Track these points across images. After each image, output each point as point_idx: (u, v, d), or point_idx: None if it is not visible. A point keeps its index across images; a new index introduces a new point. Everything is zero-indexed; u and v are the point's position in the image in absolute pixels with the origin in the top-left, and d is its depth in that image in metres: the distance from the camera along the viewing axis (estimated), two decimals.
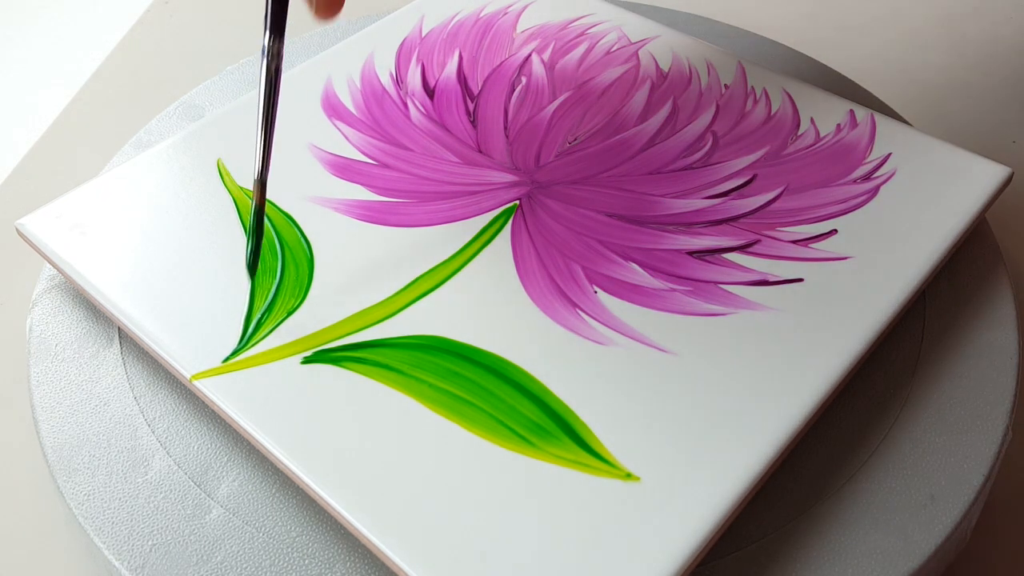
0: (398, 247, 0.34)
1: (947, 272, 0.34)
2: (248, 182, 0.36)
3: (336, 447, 0.28)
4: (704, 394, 0.29)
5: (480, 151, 0.37)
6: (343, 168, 0.37)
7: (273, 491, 0.29)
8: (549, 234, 0.34)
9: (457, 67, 0.41)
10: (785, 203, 0.35)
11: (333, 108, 0.39)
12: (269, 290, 0.32)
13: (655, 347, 0.30)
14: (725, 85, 0.40)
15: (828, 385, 0.29)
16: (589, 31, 0.43)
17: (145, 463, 0.29)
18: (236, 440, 0.30)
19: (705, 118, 0.38)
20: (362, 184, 0.36)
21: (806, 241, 0.33)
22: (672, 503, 0.26)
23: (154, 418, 0.31)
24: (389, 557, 0.26)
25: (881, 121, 0.38)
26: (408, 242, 0.34)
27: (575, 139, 0.38)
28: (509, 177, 0.36)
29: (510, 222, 0.34)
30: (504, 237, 0.34)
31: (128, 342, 0.33)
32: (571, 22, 0.43)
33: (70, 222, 0.35)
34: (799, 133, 0.38)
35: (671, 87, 0.40)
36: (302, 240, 0.34)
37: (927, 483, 0.28)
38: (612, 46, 0.42)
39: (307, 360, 0.30)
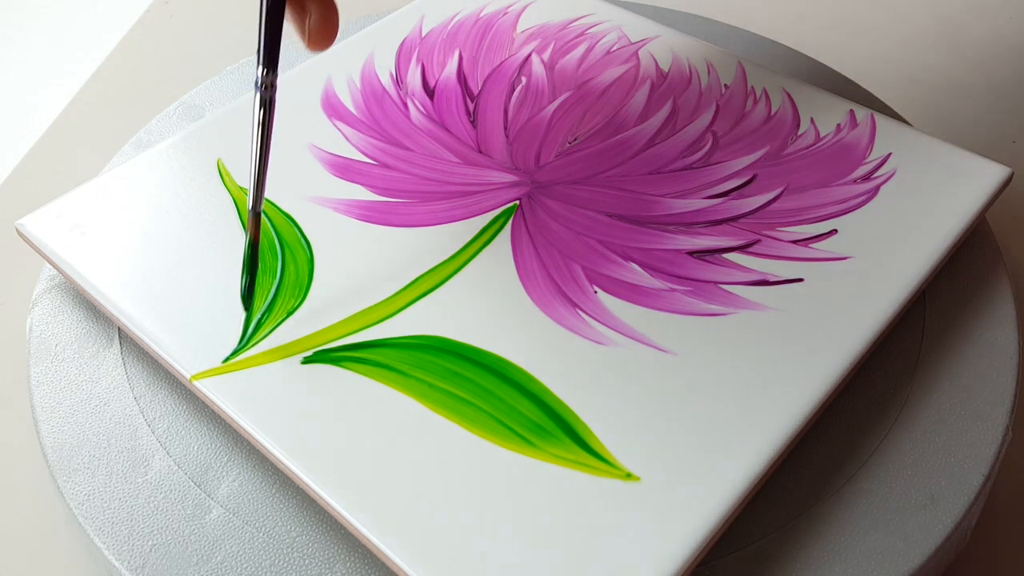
0: (398, 247, 0.34)
1: (947, 272, 0.34)
2: (248, 182, 0.36)
3: (336, 447, 0.28)
4: (704, 394, 0.29)
5: (480, 151, 0.37)
6: (343, 168, 0.37)
7: (273, 491, 0.29)
8: (549, 234, 0.34)
9: (457, 67, 0.41)
10: (785, 203, 0.35)
11: (333, 108, 0.39)
12: (269, 290, 0.32)
13: (655, 347, 0.30)
14: (725, 85, 0.40)
15: (828, 385, 0.29)
16: (589, 31, 0.43)
17: (145, 463, 0.29)
18: (236, 440, 0.30)
19: (705, 118, 0.38)
20: (362, 184, 0.36)
21: (806, 241, 0.33)
22: (672, 503, 0.26)
23: (154, 418, 0.31)
24: (389, 557, 0.26)
25: (881, 121, 0.38)
26: (408, 242, 0.34)
27: (575, 139, 0.38)
28: (509, 177, 0.36)
29: (510, 222, 0.34)
30: (504, 237, 0.34)
31: (128, 342, 0.33)
32: (571, 22, 0.43)
33: (70, 222, 0.35)
34: (799, 133, 0.38)
35: (671, 87, 0.40)
36: (302, 240, 0.34)
37: (927, 483, 0.28)
38: (612, 46, 0.42)
39: (307, 360, 0.30)
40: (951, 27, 0.52)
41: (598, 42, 0.42)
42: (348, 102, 0.39)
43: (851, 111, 0.38)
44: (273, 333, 0.31)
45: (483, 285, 0.32)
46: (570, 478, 0.27)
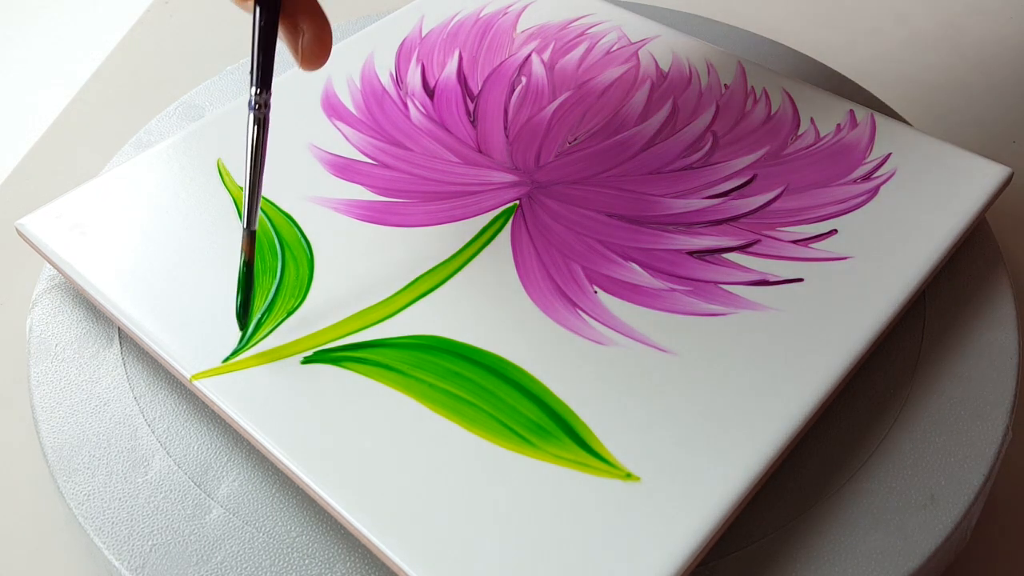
0: (398, 247, 0.34)
1: (947, 272, 0.34)
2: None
3: (336, 447, 0.28)
4: (704, 394, 0.29)
5: (480, 151, 0.37)
6: (343, 168, 0.37)
7: (273, 491, 0.29)
8: (549, 234, 0.34)
9: (457, 67, 0.41)
10: (785, 203, 0.35)
11: (333, 108, 0.39)
12: (269, 290, 0.32)
13: (655, 347, 0.30)
14: (725, 85, 0.40)
15: (828, 385, 0.29)
16: (589, 31, 0.43)
17: (145, 463, 0.29)
18: (236, 440, 0.30)
19: (705, 118, 0.38)
20: (362, 184, 0.36)
21: (806, 241, 0.33)
22: (672, 503, 0.26)
23: (154, 418, 0.31)
24: (389, 557, 0.26)
25: (881, 121, 0.38)
26: (408, 242, 0.34)
27: (575, 139, 0.38)
28: (509, 177, 0.36)
29: (510, 222, 0.34)
30: (504, 237, 0.34)
31: (128, 342, 0.33)
32: (571, 22, 0.43)
33: (70, 222, 0.35)
34: (799, 133, 0.38)
35: (671, 87, 0.40)
36: (302, 240, 0.34)
37: (927, 483, 0.28)
38: (612, 46, 0.42)
39: (307, 360, 0.30)
40: (951, 27, 0.52)
41: (598, 42, 0.42)
42: (348, 102, 0.39)
43: (851, 111, 0.38)
44: (273, 333, 0.31)
45: (483, 285, 0.32)
46: (570, 478, 0.27)
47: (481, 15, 0.44)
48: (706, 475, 0.27)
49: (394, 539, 0.26)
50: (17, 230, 0.35)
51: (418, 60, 0.41)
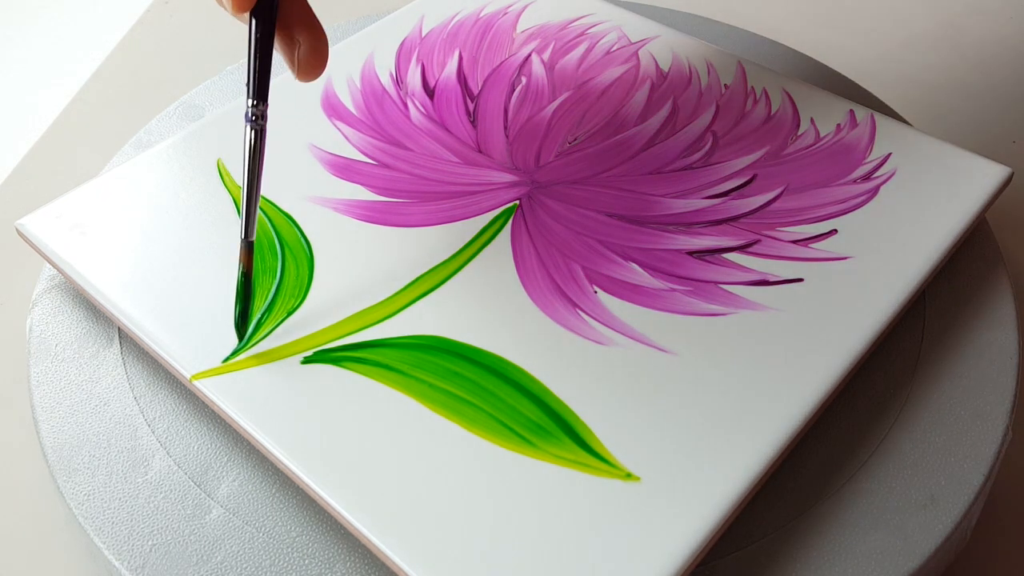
0: (398, 247, 0.33)
1: (947, 272, 0.34)
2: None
3: (336, 447, 0.28)
4: (704, 394, 0.29)
5: (480, 151, 0.37)
6: (343, 168, 0.37)
7: (273, 491, 0.29)
8: (549, 234, 0.34)
9: (457, 67, 0.41)
10: (785, 203, 0.35)
11: (333, 108, 0.39)
12: (269, 290, 0.32)
13: (655, 347, 0.30)
14: (725, 85, 0.40)
15: (828, 385, 0.29)
16: (589, 31, 0.43)
17: (145, 463, 0.29)
18: (236, 440, 0.30)
19: (705, 118, 0.38)
20: (362, 184, 0.36)
21: (806, 241, 0.33)
22: (672, 503, 0.26)
23: (154, 418, 0.31)
24: (389, 557, 0.26)
25: (881, 121, 0.38)
26: (408, 242, 0.34)
27: (575, 139, 0.38)
28: (509, 177, 0.36)
29: (510, 222, 0.34)
30: (504, 237, 0.34)
31: (128, 342, 0.33)
32: (571, 22, 0.43)
33: (70, 222, 0.35)
34: (799, 133, 0.38)
35: (671, 87, 0.40)
36: (302, 240, 0.34)
37: (927, 483, 0.28)
38: (612, 46, 0.42)
39: (307, 360, 0.30)
40: (951, 27, 0.52)
41: (598, 42, 0.42)
42: (348, 102, 0.39)
43: (851, 111, 0.38)
44: (273, 333, 0.31)
45: (483, 285, 0.32)
46: (570, 478, 0.27)
47: (481, 15, 0.44)
48: (706, 475, 0.27)
49: (394, 539, 0.26)
50: (17, 230, 0.35)
51: (418, 60, 0.41)
